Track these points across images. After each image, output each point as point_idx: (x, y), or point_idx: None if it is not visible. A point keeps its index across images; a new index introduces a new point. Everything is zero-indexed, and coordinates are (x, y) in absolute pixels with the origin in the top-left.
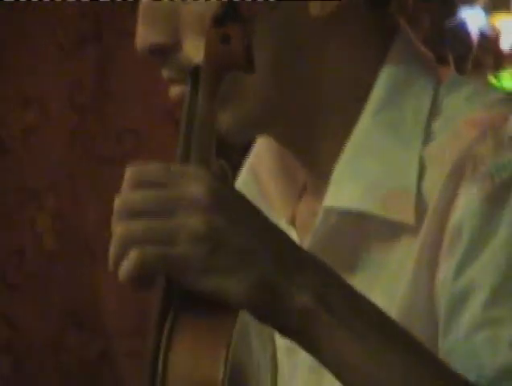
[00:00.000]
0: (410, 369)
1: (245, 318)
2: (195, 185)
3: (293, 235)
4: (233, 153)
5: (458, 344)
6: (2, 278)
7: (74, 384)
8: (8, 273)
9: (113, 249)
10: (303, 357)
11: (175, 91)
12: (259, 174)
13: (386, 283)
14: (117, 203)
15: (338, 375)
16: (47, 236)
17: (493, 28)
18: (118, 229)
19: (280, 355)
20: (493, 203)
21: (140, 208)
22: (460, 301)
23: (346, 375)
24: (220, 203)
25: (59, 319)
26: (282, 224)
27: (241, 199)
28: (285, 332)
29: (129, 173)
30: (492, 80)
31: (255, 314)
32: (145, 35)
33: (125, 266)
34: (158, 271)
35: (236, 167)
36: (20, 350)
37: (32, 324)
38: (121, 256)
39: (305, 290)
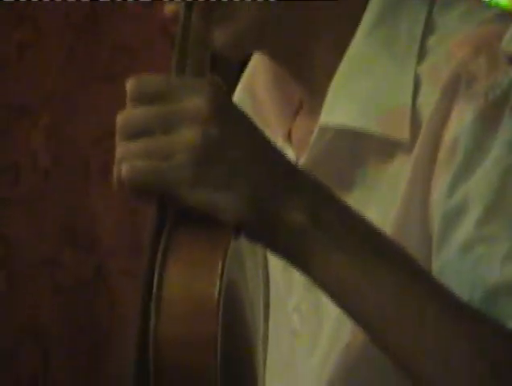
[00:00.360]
0: (403, 285)
1: (238, 239)
2: (195, 97)
3: (289, 153)
4: (228, 70)
5: (451, 262)
6: None
7: (69, 302)
8: (2, 190)
9: (114, 169)
10: (298, 275)
11: (170, 7)
12: (255, 91)
13: (380, 201)
14: (119, 121)
15: (331, 294)
16: (41, 153)
17: None
18: (119, 149)
19: (275, 273)
20: (487, 121)
21: (140, 126)
22: (452, 219)
23: (339, 293)
24: (219, 114)
25: (54, 237)
26: (278, 142)
27: (240, 113)
28: (277, 251)
29: (129, 86)
30: None
31: (246, 231)
32: None
33: (116, 178)
34: (149, 185)
35: (231, 85)
36: (15, 267)
37: (27, 241)
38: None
39: (298, 208)
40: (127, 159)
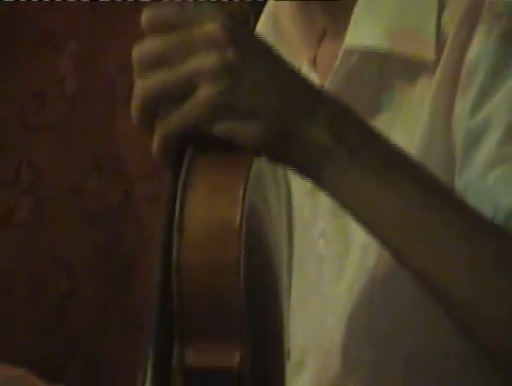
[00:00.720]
0: (427, 202)
1: (259, 166)
2: (210, 23)
3: (314, 78)
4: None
5: (473, 182)
6: (23, 122)
7: (96, 228)
8: (29, 117)
9: (133, 105)
10: (324, 200)
11: None
12: (278, 19)
13: (405, 124)
14: (135, 54)
15: (356, 214)
16: (68, 80)
17: None
18: (137, 83)
19: (299, 199)
20: (510, 42)
21: (157, 57)
22: (474, 140)
23: (364, 211)
24: (234, 38)
25: (81, 163)
26: (303, 68)
27: (256, 37)
28: (300, 171)
29: (143, 17)
30: None
31: (271, 154)
32: None
33: (155, 143)
34: (180, 135)
35: (257, 11)
36: (42, 194)
37: (54, 168)
38: (140, 111)
39: (322, 128)
40: (146, 91)
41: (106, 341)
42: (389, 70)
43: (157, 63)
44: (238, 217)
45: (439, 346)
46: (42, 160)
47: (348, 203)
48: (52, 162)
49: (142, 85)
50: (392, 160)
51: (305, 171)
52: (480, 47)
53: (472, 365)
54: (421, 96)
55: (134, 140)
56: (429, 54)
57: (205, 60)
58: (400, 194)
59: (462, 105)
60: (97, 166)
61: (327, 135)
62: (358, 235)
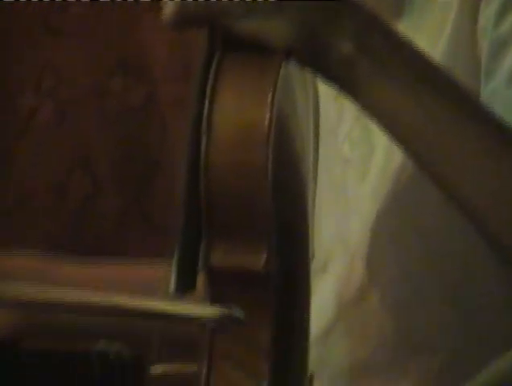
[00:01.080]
0: (448, 107)
1: (288, 70)
2: None
3: None
4: None
5: (499, 91)
6: (44, 24)
7: (119, 130)
8: (53, 20)
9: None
10: (349, 103)
11: None
12: None
13: (430, 30)
14: None
15: (379, 119)
16: None
17: None
18: None
19: (325, 103)
20: None
21: None
22: (499, 48)
23: (386, 117)
24: None
25: (105, 65)
26: None
27: None
28: (325, 77)
29: None
30: None
31: (296, 57)
32: None
33: (166, 10)
34: (198, 16)
35: None
36: (64, 96)
37: (77, 71)
38: None
39: (347, 35)
40: None
41: (128, 243)
42: None
43: None
44: (267, 120)
45: (469, 255)
46: (64, 63)
47: (370, 108)
48: (74, 65)
49: None
50: (416, 65)
51: (328, 77)
52: None
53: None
54: (446, 2)
55: (158, 41)
56: None
57: None
58: (422, 101)
59: (487, 13)
60: (120, 68)
61: (352, 46)
62: (382, 138)
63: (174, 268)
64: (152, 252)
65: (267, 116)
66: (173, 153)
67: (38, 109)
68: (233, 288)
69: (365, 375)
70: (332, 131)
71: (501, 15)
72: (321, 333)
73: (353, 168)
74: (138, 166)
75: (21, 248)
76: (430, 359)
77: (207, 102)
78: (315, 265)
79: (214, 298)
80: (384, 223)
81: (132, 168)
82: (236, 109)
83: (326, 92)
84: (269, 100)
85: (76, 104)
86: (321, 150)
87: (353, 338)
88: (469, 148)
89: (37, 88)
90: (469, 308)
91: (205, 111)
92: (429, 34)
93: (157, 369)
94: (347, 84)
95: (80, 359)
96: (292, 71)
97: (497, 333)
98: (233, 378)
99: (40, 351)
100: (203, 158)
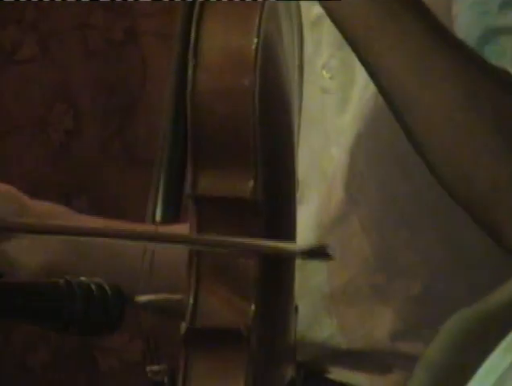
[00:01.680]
0: (424, 27)
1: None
2: None
3: None
4: None
5: (461, 15)
6: None
7: (100, 65)
8: None
9: None
10: (327, 31)
11: None
12: None
13: None
14: None
15: (354, 38)
16: None
17: None
18: None
19: (304, 32)
20: None
21: None
22: None
23: (362, 35)
24: None
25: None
26: None
27: None
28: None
29: None
30: None
31: None
32: None
33: None
34: None
35: None
36: (46, 30)
37: (58, 4)
38: None
39: None
40: None
41: (110, 176)
42: None
43: None
44: (254, 45)
45: None
46: None
47: (349, 28)
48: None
49: None
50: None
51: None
52: None
53: None
54: None
55: None
56: None
57: None
58: (396, 14)
59: None
60: (102, 2)
61: None
62: (362, 67)
63: (160, 198)
64: (133, 185)
65: (254, 41)
66: (155, 88)
67: (21, 42)
68: (221, 217)
69: (345, 300)
70: (309, 60)
71: None
72: (300, 261)
73: (331, 98)
74: (119, 99)
75: (4, 182)
76: (409, 286)
77: (194, 29)
78: None
79: (201, 228)
80: (363, 146)
81: (113, 101)
82: (223, 35)
83: (303, 20)
84: (256, 26)
85: (58, 38)
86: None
87: (332, 264)
88: (425, 52)
89: (20, 21)
90: (452, 230)
91: (192, 37)
92: None
93: (141, 299)
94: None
95: (62, 291)
96: (278, 1)
97: (480, 257)
98: (220, 305)
99: (20, 284)
100: (190, 85)
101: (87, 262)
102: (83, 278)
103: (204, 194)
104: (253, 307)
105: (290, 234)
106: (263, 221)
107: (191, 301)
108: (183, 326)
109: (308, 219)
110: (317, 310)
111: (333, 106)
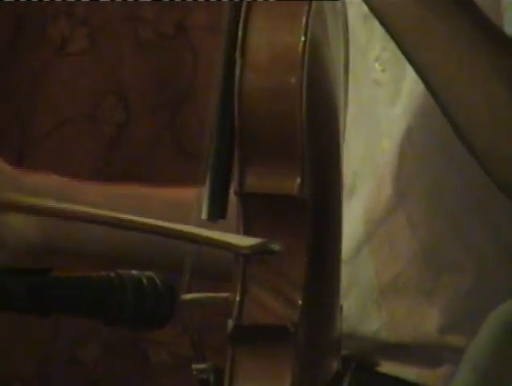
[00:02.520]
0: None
1: None
2: None
3: None
4: None
5: None
6: None
7: (151, 58)
8: None
9: None
10: (379, 25)
11: None
12: None
13: None
14: None
15: (404, 34)
16: None
17: None
18: None
19: (355, 25)
20: None
21: None
22: None
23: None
24: None
25: None
26: None
27: None
28: None
29: None
30: None
31: None
32: None
33: None
34: None
35: None
36: (96, 23)
37: None
38: None
39: None
40: None
41: (161, 168)
42: None
43: None
44: (301, 43)
45: None
46: None
47: (392, 26)
48: None
49: None
50: None
51: None
52: None
53: None
54: None
55: None
56: None
57: None
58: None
59: None
60: None
61: None
62: None
63: (206, 196)
64: (184, 181)
65: (302, 39)
66: (205, 81)
67: (71, 36)
68: (267, 214)
69: (394, 293)
70: (362, 53)
71: None
72: (349, 255)
73: (383, 90)
74: (170, 94)
75: (54, 173)
76: (458, 280)
77: (241, 26)
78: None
79: (247, 226)
80: (414, 141)
81: (164, 95)
82: (271, 32)
83: (355, 13)
84: (303, 24)
85: (108, 31)
86: (351, 73)
87: (381, 258)
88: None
89: (70, 14)
90: (501, 226)
91: (240, 35)
92: None
93: (187, 297)
94: None
95: (113, 284)
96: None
97: None
98: (267, 302)
99: (71, 277)
100: (237, 82)
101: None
102: (134, 272)
103: (251, 191)
104: (299, 303)
105: (335, 232)
106: (308, 219)
107: (237, 298)
108: (230, 323)
109: (358, 213)
110: (366, 303)
111: (385, 98)
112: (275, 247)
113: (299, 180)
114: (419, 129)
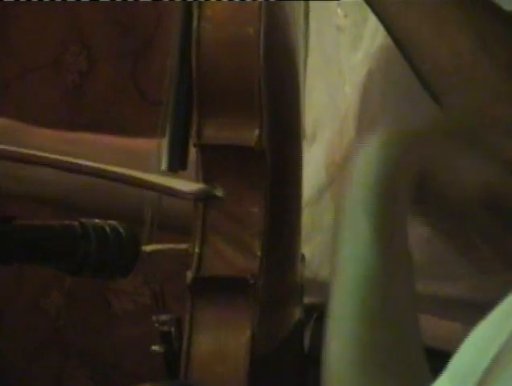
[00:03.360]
0: None
1: None
2: None
3: None
4: None
5: None
6: None
7: (113, 6)
8: None
9: None
10: None
11: None
12: None
13: None
14: None
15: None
16: None
17: None
18: None
19: None
20: None
21: None
22: None
23: None
24: None
25: None
26: None
27: None
28: None
29: None
30: None
31: None
32: None
33: None
34: None
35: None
36: None
37: None
38: None
39: None
40: None
41: (124, 116)
42: None
43: None
44: None
45: None
46: None
47: None
48: None
49: None
50: None
51: None
52: None
53: None
54: None
55: None
56: None
57: None
58: None
59: None
60: None
61: None
62: None
63: (166, 147)
64: (147, 128)
65: None
66: (168, 28)
67: None
68: (226, 165)
69: None
70: None
71: None
72: (312, 198)
73: (345, 35)
74: (132, 40)
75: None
76: (426, 220)
77: None
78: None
79: (207, 177)
80: (374, 84)
81: (127, 42)
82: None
83: None
84: None
85: None
86: (312, 19)
87: None
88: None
89: None
90: None
91: None
92: None
93: (147, 248)
94: None
95: (76, 232)
96: None
97: None
98: (226, 253)
99: (34, 226)
100: (195, 34)
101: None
102: (97, 220)
103: (210, 142)
104: (259, 255)
105: (295, 179)
106: (267, 169)
107: (196, 250)
108: (189, 275)
109: (319, 157)
110: (329, 247)
111: (347, 44)
112: (218, 192)
113: (257, 132)
114: (380, 71)
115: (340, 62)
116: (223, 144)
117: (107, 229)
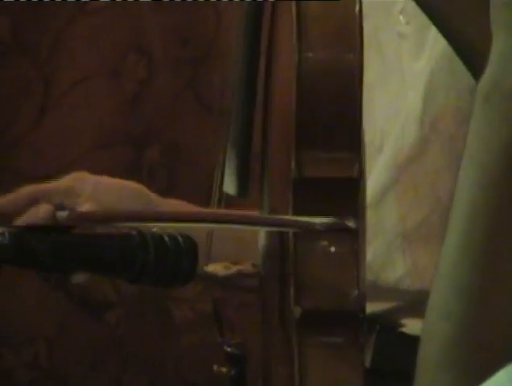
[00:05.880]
0: None
1: None
2: None
3: None
4: None
5: None
6: None
7: (171, 13)
8: None
9: None
10: None
11: None
12: None
13: None
14: None
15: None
16: None
17: None
18: None
19: None
20: None
21: None
22: None
23: None
24: None
25: None
26: None
27: None
28: None
29: None
30: None
31: None
32: None
33: None
34: None
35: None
36: None
37: None
38: None
39: None
40: None
41: (183, 125)
42: None
43: None
44: (357, 15)
45: None
46: None
47: None
48: None
49: None
50: None
51: None
52: None
53: None
54: None
55: None
56: None
57: None
58: None
59: None
60: None
61: None
62: None
63: (234, 174)
64: (206, 135)
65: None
66: (228, 36)
67: None
68: (321, 197)
69: (418, 239)
70: (385, 7)
71: None
72: (375, 200)
73: (408, 42)
74: (192, 49)
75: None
76: None
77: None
78: (369, 149)
79: (299, 209)
80: (437, 87)
81: (186, 51)
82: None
83: None
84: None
85: None
86: (373, 25)
87: (406, 202)
88: None
89: None
90: None
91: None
92: None
93: (209, 267)
94: None
95: (135, 241)
96: None
97: None
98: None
99: (94, 235)
100: (296, 66)
101: None
102: (156, 229)
103: (311, 176)
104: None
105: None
106: (359, 196)
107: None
108: (297, 309)
109: (383, 161)
110: (391, 249)
111: (410, 51)
112: (350, 224)
113: (357, 165)
114: (443, 75)
115: (402, 70)
116: (324, 176)
117: (165, 238)
